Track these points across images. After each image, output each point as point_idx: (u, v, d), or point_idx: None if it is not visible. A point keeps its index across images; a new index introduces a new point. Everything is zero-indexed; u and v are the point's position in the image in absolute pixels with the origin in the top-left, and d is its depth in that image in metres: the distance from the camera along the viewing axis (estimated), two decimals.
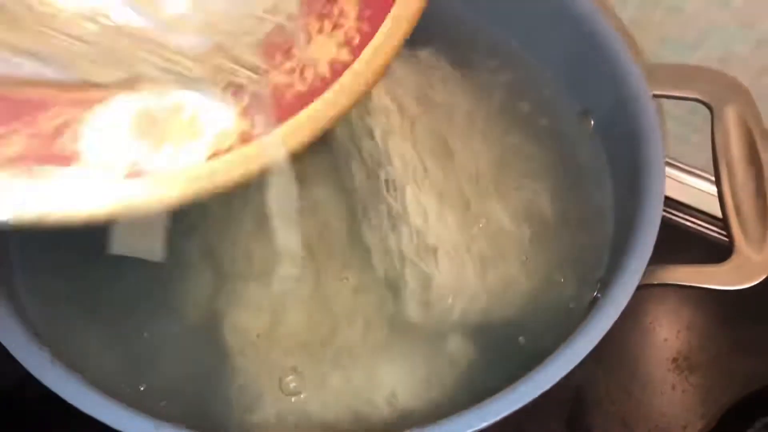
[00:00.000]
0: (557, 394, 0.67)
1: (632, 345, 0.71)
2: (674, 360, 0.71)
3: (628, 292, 0.44)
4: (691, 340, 0.72)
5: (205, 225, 0.57)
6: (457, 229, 0.56)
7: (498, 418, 0.41)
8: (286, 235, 0.51)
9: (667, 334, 0.72)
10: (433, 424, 0.41)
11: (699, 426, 0.68)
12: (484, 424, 0.41)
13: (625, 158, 0.52)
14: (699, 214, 0.79)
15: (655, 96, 0.54)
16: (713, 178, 0.55)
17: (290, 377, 0.52)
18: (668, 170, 0.81)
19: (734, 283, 0.47)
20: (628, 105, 0.53)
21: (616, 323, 0.70)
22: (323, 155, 0.60)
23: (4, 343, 0.41)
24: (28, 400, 0.64)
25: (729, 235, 0.49)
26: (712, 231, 0.78)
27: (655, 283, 0.47)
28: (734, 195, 0.50)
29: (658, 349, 0.71)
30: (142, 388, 0.50)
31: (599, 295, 0.50)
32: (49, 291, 0.52)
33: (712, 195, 0.79)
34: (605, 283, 0.48)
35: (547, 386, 0.42)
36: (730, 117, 0.52)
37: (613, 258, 0.51)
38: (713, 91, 0.54)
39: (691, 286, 0.48)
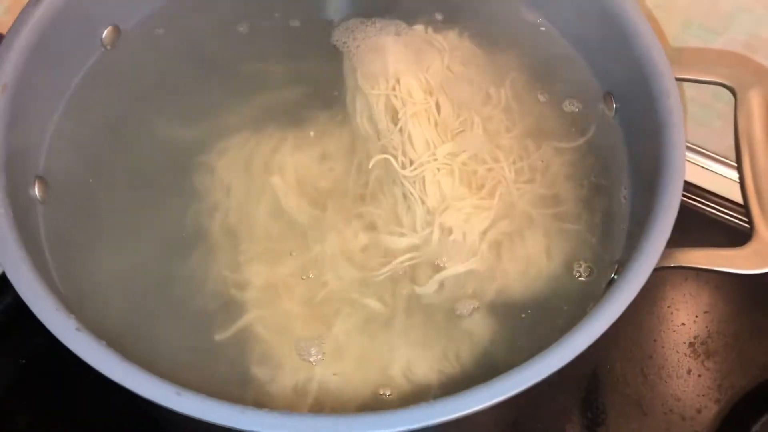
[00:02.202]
0: (573, 373, 0.68)
1: (649, 328, 0.71)
2: (691, 344, 0.71)
3: (646, 272, 0.44)
4: (709, 325, 0.72)
5: (227, 204, 0.58)
6: (474, 211, 0.57)
7: (512, 393, 0.41)
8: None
9: (685, 318, 0.72)
10: (447, 397, 0.41)
11: (714, 410, 0.68)
12: (497, 399, 0.41)
13: (647, 140, 0.52)
14: (719, 200, 0.78)
15: (678, 80, 0.54)
16: (735, 164, 0.54)
17: (308, 350, 0.53)
18: (689, 155, 0.81)
19: (753, 267, 0.47)
20: (651, 87, 0.53)
21: (633, 306, 0.71)
22: (345, 135, 0.61)
23: (36, 314, 0.43)
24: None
25: (749, 219, 0.49)
26: (733, 217, 0.78)
27: (673, 265, 0.47)
28: (755, 178, 0.50)
29: (675, 333, 0.71)
30: (160, 357, 0.51)
31: (616, 276, 0.50)
32: (76, 267, 0.53)
33: (733, 181, 0.79)
34: (623, 264, 0.48)
35: (561, 364, 0.42)
36: (754, 101, 0.52)
37: (632, 240, 0.51)
38: (737, 75, 0.53)
39: (709, 270, 0.48)
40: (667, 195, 0.46)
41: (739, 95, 0.53)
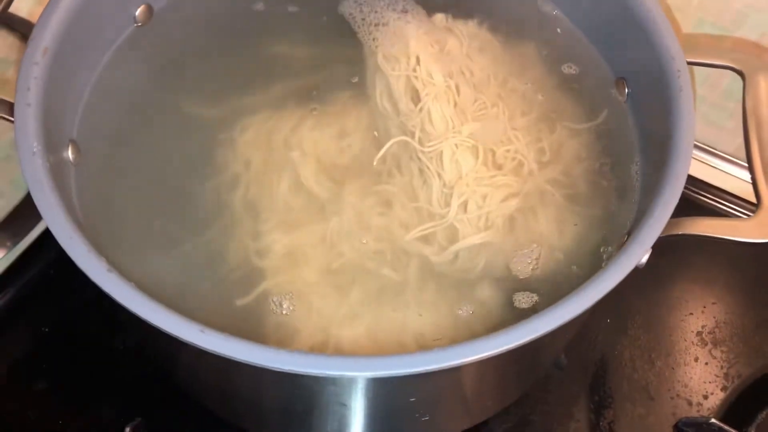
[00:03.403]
0: (581, 357, 0.69)
1: (658, 317, 0.73)
2: (698, 333, 0.72)
3: (653, 235, 0.46)
4: (716, 315, 0.73)
5: (248, 177, 0.60)
6: (489, 187, 0.59)
7: (523, 341, 0.43)
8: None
9: (693, 308, 0.73)
10: (452, 345, 0.43)
11: (720, 397, 0.69)
12: (502, 349, 0.43)
13: (658, 120, 0.54)
14: (730, 197, 0.80)
15: (689, 63, 0.55)
16: (745, 164, 0.55)
17: (325, 315, 0.55)
18: (702, 155, 0.83)
19: (758, 236, 0.49)
20: (663, 69, 0.54)
21: (642, 295, 0.72)
22: (364, 113, 0.63)
23: (71, 255, 0.44)
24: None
25: (755, 192, 0.51)
26: (743, 213, 0.79)
27: (681, 233, 0.49)
28: (762, 154, 0.51)
29: (683, 322, 0.72)
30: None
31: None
32: (103, 231, 0.55)
33: (744, 180, 0.80)
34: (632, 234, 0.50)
35: (568, 317, 0.44)
36: (762, 84, 0.54)
37: (641, 212, 0.52)
38: (745, 60, 0.55)
39: (716, 238, 0.50)
40: (676, 163, 0.48)
41: (747, 78, 0.55)
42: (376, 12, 0.65)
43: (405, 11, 0.65)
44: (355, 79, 0.64)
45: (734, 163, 0.82)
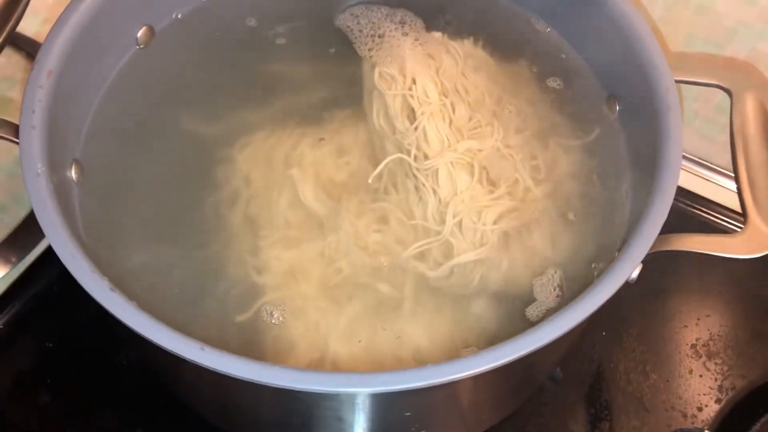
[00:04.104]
0: (577, 371, 0.70)
1: (652, 330, 0.74)
2: (693, 346, 0.73)
3: (641, 251, 0.47)
4: (710, 328, 0.74)
5: (248, 193, 0.61)
6: (484, 204, 0.60)
7: (512, 358, 0.44)
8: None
9: (687, 321, 0.74)
10: (443, 363, 0.44)
11: (715, 409, 0.69)
12: (499, 363, 0.44)
13: (647, 136, 0.55)
14: (722, 209, 0.81)
15: (678, 82, 0.57)
16: None
17: (323, 330, 0.56)
18: (696, 168, 0.84)
19: (745, 252, 0.50)
20: (651, 87, 0.56)
21: (637, 309, 0.73)
22: (361, 131, 0.64)
23: (75, 276, 0.46)
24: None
25: (742, 209, 0.52)
26: (736, 226, 0.80)
27: (668, 249, 0.50)
28: (749, 172, 0.52)
29: (677, 334, 0.73)
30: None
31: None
32: (105, 251, 0.56)
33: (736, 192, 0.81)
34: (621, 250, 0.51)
35: (559, 333, 0.45)
36: (748, 102, 0.55)
37: (631, 229, 0.53)
38: (732, 78, 0.56)
39: (703, 254, 0.51)
40: (664, 180, 0.49)
41: (734, 97, 0.56)
42: (373, 23, 0.66)
43: (403, 22, 0.66)
44: (353, 97, 0.65)
45: (728, 176, 0.83)
